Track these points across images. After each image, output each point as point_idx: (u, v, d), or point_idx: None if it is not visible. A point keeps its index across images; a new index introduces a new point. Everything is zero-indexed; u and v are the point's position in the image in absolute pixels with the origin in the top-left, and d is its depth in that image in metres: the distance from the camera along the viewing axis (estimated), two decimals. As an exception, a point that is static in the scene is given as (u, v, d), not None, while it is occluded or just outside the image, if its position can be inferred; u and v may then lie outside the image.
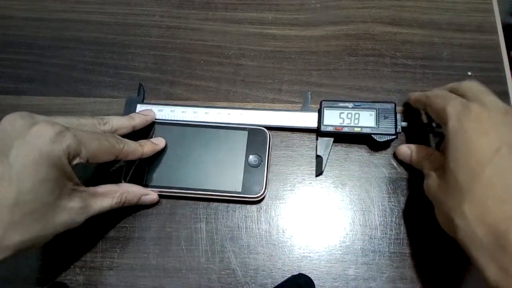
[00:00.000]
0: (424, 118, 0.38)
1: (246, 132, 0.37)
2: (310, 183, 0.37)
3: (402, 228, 0.35)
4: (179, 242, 0.35)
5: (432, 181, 0.30)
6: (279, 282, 0.33)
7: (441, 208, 0.29)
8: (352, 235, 0.35)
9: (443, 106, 0.30)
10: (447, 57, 0.42)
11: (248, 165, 0.36)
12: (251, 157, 0.36)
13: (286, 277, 0.33)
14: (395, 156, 0.37)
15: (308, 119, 0.37)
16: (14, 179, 0.25)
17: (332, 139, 0.37)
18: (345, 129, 0.36)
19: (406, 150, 0.36)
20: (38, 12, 0.45)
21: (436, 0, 0.45)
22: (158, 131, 0.37)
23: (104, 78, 0.42)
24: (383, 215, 0.35)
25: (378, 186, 0.36)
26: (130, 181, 0.35)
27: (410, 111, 0.38)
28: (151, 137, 0.37)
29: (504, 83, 0.40)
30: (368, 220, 0.35)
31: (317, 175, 0.37)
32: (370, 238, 0.35)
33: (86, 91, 0.41)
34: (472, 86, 0.31)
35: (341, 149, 0.38)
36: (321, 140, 0.37)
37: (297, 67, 0.42)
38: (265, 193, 0.35)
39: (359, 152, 0.38)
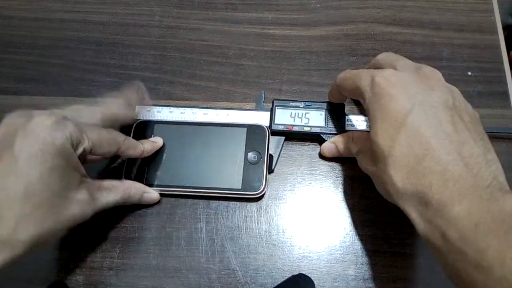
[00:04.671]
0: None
1: (245, 129, 0.37)
2: (310, 183, 0.37)
3: (402, 228, 0.35)
4: (179, 242, 0.35)
5: (361, 157, 0.32)
6: (279, 282, 0.33)
7: (374, 178, 0.30)
8: (352, 235, 0.35)
9: (354, 84, 0.30)
10: (447, 57, 0.42)
11: (247, 162, 0.36)
12: (250, 154, 0.36)
13: (286, 277, 0.33)
14: (321, 156, 0.37)
15: (261, 118, 0.38)
16: (21, 171, 0.25)
17: (283, 138, 0.37)
18: (296, 128, 0.37)
19: (330, 145, 0.36)
20: (38, 12, 0.45)
21: (436, 0, 0.45)
22: (158, 130, 0.37)
23: (104, 78, 0.42)
24: (384, 214, 0.35)
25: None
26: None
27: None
28: (151, 137, 0.37)
29: (504, 83, 0.41)
30: (368, 220, 0.35)
31: (268, 173, 0.37)
32: (370, 238, 0.35)
33: (86, 91, 0.41)
34: (385, 56, 0.33)
35: (341, 149, 0.38)
36: (272, 138, 0.37)
37: (297, 67, 0.42)
38: (264, 190, 0.35)
39: (359, 152, 0.38)
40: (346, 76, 0.32)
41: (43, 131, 0.26)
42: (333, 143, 0.36)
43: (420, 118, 0.26)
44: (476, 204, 0.23)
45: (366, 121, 0.37)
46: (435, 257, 0.25)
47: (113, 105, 0.34)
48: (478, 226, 0.22)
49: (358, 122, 0.37)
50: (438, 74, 0.29)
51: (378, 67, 0.32)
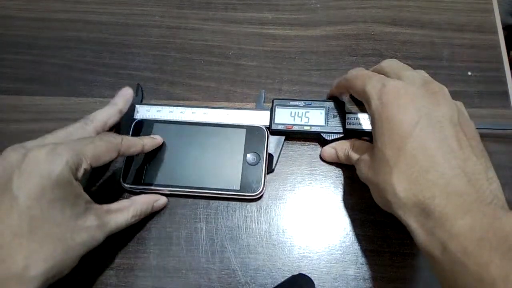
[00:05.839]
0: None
1: (244, 130, 0.37)
2: (310, 183, 0.37)
3: (402, 228, 0.35)
4: (179, 242, 0.35)
5: (361, 165, 0.31)
6: (279, 282, 0.33)
7: (374, 187, 0.30)
8: (352, 235, 0.35)
9: (363, 87, 0.30)
10: (447, 57, 0.42)
11: (246, 163, 0.36)
12: (249, 155, 0.36)
13: (286, 277, 0.33)
14: (322, 159, 0.37)
15: (261, 118, 0.38)
16: (23, 208, 0.25)
17: (283, 137, 0.37)
18: (296, 128, 0.37)
19: (331, 150, 0.36)
20: (38, 12, 0.45)
21: (436, 0, 0.45)
22: (157, 130, 0.37)
23: (104, 78, 0.42)
24: (384, 214, 0.35)
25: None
26: (129, 181, 0.35)
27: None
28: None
29: (504, 83, 0.41)
30: (368, 220, 0.35)
31: (268, 173, 0.36)
32: (370, 238, 0.35)
33: (86, 91, 0.41)
34: (391, 63, 0.33)
35: (341, 149, 0.38)
36: (273, 138, 0.37)
37: (297, 67, 0.42)
38: (263, 191, 0.35)
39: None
40: (357, 74, 0.32)
41: (38, 166, 0.26)
42: (334, 149, 0.36)
43: (427, 131, 0.26)
44: (479, 219, 0.23)
45: (366, 119, 0.37)
46: (433, 268, 0.25)
47: (103, 116, 0.34)
48: (481, 241, 0.22)
49: (358, 120, 0.37)
50: (444, 90, 0.29)
51: (382, 73, 0.32)
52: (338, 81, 0.36)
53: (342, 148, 0.36)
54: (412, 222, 0.26)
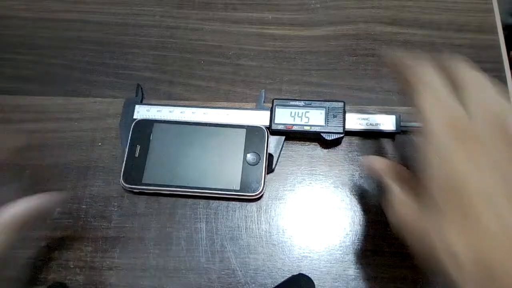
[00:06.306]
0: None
1: (244, 130, 0.37)
2: (310, 183, 0.37)
3: (402, 228, 0.35)
4: (179, 242, 0.35)
5: (398, 200, 0.26)
6: (279, 282, 0.33)
7: (416, 236, 0.24)
8: (352, 235, 0.35)
9: (421, 99, 0.24)
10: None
11: (246, 163, 0.36)
12: (249, 155, 0.36)
13: (286, 277, 0.33)
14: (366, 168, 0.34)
15: (261, 118, 0.38)
16: None
17: (283, 137, 0.37)
18: (296, 128, 0.37)
19: (372, 161, 0.30)
20: (38, 12, 0.45)
21: (436, 0, 0.45)
22: (157, 130, 0.37)
23: (104, 78, 0.42)
24: (384, 214, 0.35)
25: (379, 185, 0.36)
26: (129, 181, 0.35)
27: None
28: (150, 137, 0.37)
29: (504, 83, 0.40)
30: (368, 220, 0.35)
31: (268, 173, 0.36)
32: (370, 238, 0.35)
33: (86, 91, 0.41)
34: (468, 72, 0.26)
35: (341, 149, 0.38)
36: (273, 138, 0.37)
37: (297, 67, 0.42)
38: (263, 191, 0.35)
39: (360, 152, 0.38)
40: (423, 76, 0.25)
41: None
42: (373, 161, 0.30)
43: (492, 182, 0.22)
44: None
45: (366, 119, 0.37)
46: None
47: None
48: None
49: (358, 121, 0.37)
50: None
51: (449, 74, 0.26)
52: (397, 60, 0.27)
53: (382, 164, 0.29)
54: (468, 284, 0.21)
